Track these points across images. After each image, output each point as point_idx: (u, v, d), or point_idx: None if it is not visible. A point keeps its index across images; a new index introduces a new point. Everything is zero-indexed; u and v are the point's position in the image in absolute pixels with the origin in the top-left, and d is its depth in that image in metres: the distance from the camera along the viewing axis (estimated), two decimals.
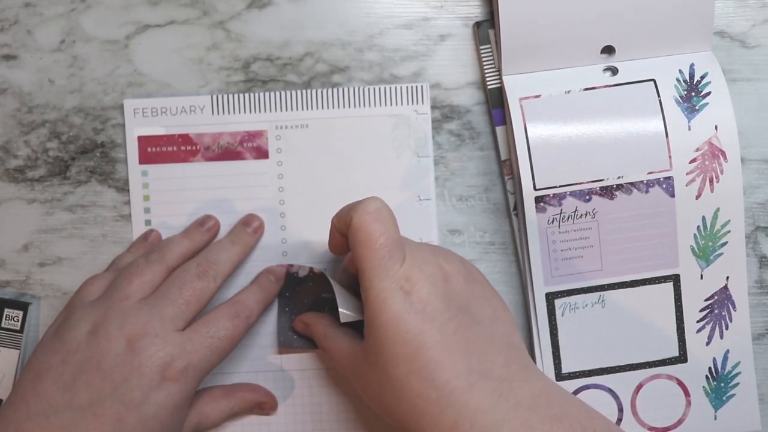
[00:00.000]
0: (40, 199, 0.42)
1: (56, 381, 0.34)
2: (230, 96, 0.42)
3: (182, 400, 0.35)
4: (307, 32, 0.42)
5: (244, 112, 0.42)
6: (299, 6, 0.42)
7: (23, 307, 0.41)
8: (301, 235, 0.42)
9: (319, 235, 0.42)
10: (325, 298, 0.41)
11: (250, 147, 0.42)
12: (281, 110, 0.42)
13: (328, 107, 0.42)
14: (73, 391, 0.33)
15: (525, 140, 0.40)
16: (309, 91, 0.42)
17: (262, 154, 0.42)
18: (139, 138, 0.42)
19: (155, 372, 0.34)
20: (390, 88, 0.42)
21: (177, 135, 0.42)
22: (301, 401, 0.42)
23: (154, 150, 0.42)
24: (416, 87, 0.42)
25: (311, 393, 0.42)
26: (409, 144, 0.42)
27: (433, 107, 0.42)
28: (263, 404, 0.41)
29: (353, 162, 0.42)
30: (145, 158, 0.42)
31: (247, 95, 0.42)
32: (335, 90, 0.42)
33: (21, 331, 0.41)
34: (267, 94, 0.42)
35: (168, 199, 0.42)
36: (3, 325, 0.41)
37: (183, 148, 0.42)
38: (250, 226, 0.41)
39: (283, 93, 0.42)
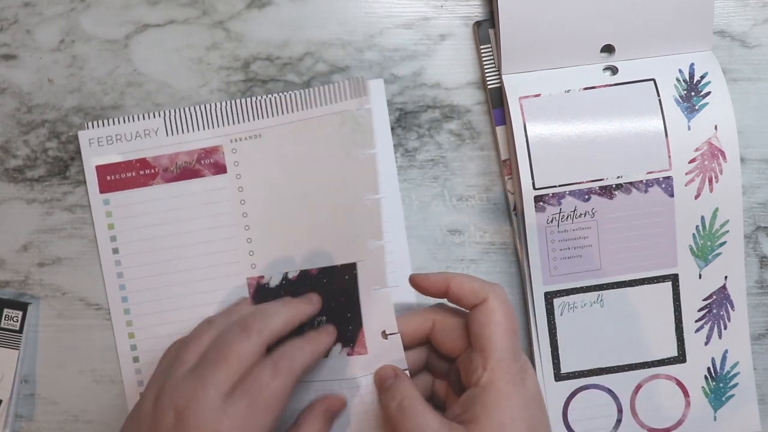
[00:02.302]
0: (39, 199, 0.42)
1: None
2: (182, 113, 0.41)
3: None
4: (307, 32, 0.42)
5: (197, 129, 0.42)
6: (299, 6, 0.42)
7: (22, 307, 0.41)
8: (267, 245, 0.41)
9: (285, 242, 0.41)
10: None
11: (207, 164, 0.42)
12: (233, 123, 0.41)
13: (276, 114, 0.41)
14: None
15: (524, 139, 0.40)
16: (255, 99, 0.41)
17: (220, 169, 0.42)
18: (98, 167, 0.42)
19: None
20: (331, 85, 0.41)
21: (134, 160, 0.42)
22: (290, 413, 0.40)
23: (113, 177, 0.42)
24: (356, 80, 0.40)
25: (298, 400, 0.40)
26: (355, 140, 0.40)
27: (434, 107, 0.42)
28: None
29: (307, 165, 0.41)
30: (106, 187, 0.42)
31: (199, 108, 0.41)
32: (279, 96, 0.41)
33: (20, 331, 0.41)
34: (217, 105, 0.41)
35: (132, 225, 0.42)
36: (2, 325, 0.41)
37: (141, 172, 0.42)
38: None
39: (231, 103, 0.41)
